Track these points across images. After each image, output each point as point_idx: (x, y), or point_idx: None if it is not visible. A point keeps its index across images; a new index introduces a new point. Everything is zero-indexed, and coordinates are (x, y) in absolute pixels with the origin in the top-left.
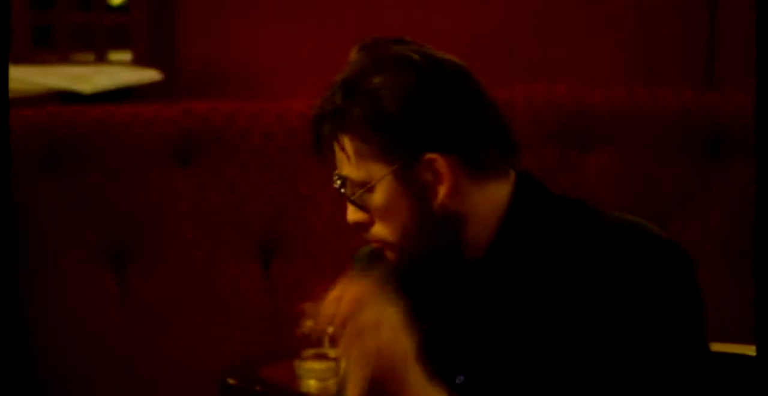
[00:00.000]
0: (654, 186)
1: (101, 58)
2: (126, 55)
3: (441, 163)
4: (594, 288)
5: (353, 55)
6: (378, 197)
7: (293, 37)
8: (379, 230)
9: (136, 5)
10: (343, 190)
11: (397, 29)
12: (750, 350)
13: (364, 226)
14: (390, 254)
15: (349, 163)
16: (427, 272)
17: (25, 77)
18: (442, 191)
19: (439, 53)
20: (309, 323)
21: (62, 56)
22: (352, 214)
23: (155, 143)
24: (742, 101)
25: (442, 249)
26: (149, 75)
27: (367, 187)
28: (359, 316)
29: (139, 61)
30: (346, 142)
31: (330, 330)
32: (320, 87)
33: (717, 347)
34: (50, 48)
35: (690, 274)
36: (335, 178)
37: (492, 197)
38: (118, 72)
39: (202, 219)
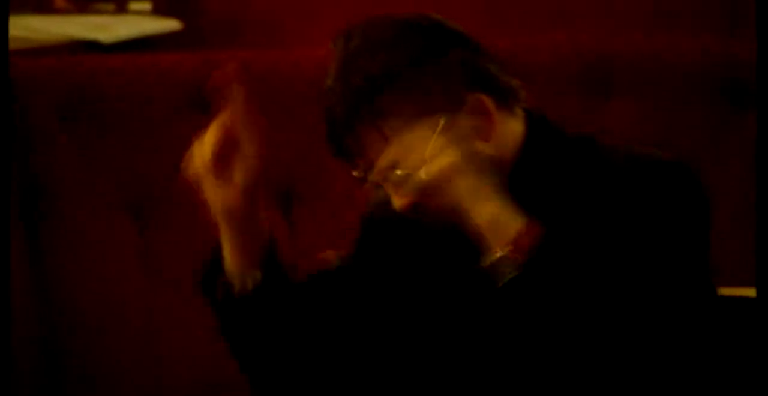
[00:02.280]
0: (674, 133)
1: (121, 8)
2: (146, 5)
3: (483, 100)
4: (603, 211)
5: (339, 45)
6: (430, 168)
7: None
8: (426, 203)
9: None
10: (397, 175)
11: None
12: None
13: (416, 206)
14: (428, 217)
15: (397, 144)
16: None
17: (44, 27)
18: (490, 131)
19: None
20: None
21: (81, 6)
22: (399, 200)
23: (175, 93)
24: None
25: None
26: (169, 24)
27: (415, 163)
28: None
29: (159, 11)
30: (385, 125)
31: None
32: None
33: (726, 291)
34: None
35: (696, 190)
36: (384, 170)
37: (511, 133)
38: (138, 21)
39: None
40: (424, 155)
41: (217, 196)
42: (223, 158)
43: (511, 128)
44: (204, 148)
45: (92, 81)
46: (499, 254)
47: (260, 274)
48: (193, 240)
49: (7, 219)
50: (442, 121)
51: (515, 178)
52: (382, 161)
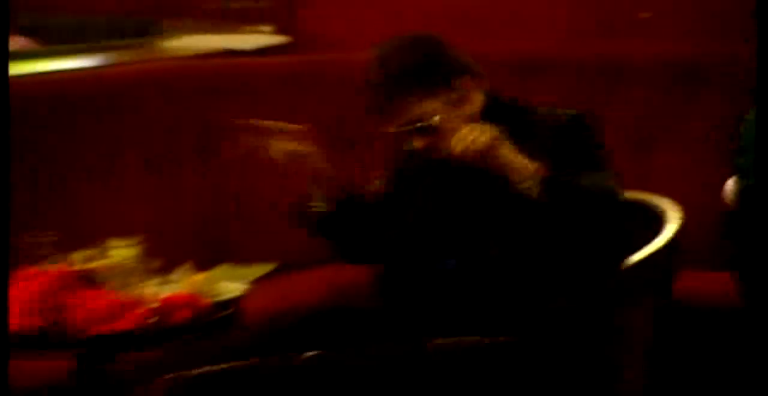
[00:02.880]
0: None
1: (254, 29)
2: (269, 28)
3: (467, 79)
4: (539, 145)
5: (381, 49)
6: (439, 123)
7: (373, 16)
8: (435, 143)
9: None
10: (418, 126)
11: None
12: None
13: (429, 146)
14: (434, 153)
15: (418, 108)
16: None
17: (210, 41)
18: (472, 96)
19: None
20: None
21: (233, 28)
22: (418, 142)
23: (285, 79)
24: (637, 46)
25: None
26: (282, 39)
27: (430, 121)
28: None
29: (277, 31)
30: (408, 95)
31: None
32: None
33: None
34: (224, 23)
35: (599, 131)
36: (410, 124)
37: (480, 99)
38: (265, 37)
39: (312, 120)
40: (437, 114)
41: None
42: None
43: (479, 97)
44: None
45: (241, 73)
46: (529, 183)
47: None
48: None
49: (7, 219)
50: (454, 96)
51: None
52: (410, 117)
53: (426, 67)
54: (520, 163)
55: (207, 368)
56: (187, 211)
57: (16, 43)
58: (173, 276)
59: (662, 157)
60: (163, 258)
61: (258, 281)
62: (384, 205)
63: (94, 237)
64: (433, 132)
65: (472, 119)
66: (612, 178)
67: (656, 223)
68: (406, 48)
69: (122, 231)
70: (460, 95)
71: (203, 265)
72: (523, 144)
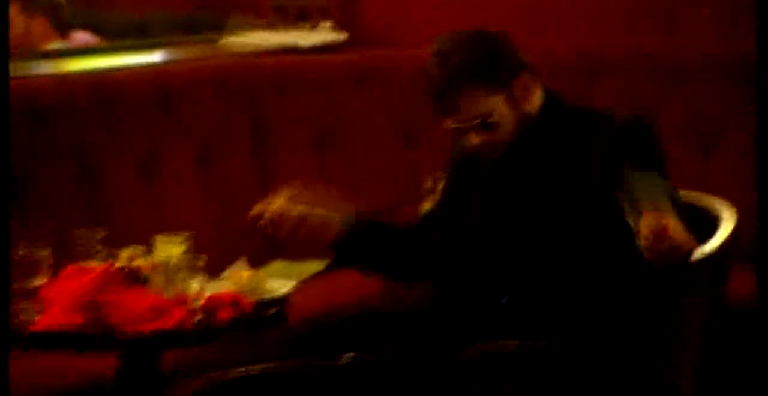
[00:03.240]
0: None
1: (314, 26)
2: (328, 24)
3: (527, 76)
4: (596, 151)
5: (441, 43)
6: (499, 119)
7: (432, 12)
8: (498, 137)
9: None
10: (477, 123)
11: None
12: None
13: (486, 141)
14: (491, 151)
15: (475, 105)
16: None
17: (270, 38)
18: (531, 96)
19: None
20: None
21: (290, 24)
22: (478, 138)
23: (342, 74)
24: (695, 44)
25: (518, 132)
26: (341, 36)
27: (492, 116)
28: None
29: (336, 28)
30: (470, 90)
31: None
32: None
33: None
34: (283, 19)
35: (657, 136)
36: (469, 120)
37: (539, 98)
38: (324, 34)
39: (366, 120)
40: (497, 111)
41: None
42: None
43: (538, 95)
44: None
45: (295, 68)
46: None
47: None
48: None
49: (7, 219)
50: (503, 95)
51: (537, 128)
52: (470, 114)
53: (486, 63)
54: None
55: (241, 370)
56: (240, 207)
57: (78, 39)
58: (225, 272)
59: (722, 156)
60: (216, 254)
61: (311, 277)
62: (431, 219)
63: (145, 233)
64: (490, 129)
65: (529, 118)
66: (671, 185)
67: (711, 223)
68: (467, 43)
69: (173, 227)
70: (519, 93)
71: (257, 261)
72: (581, 148)
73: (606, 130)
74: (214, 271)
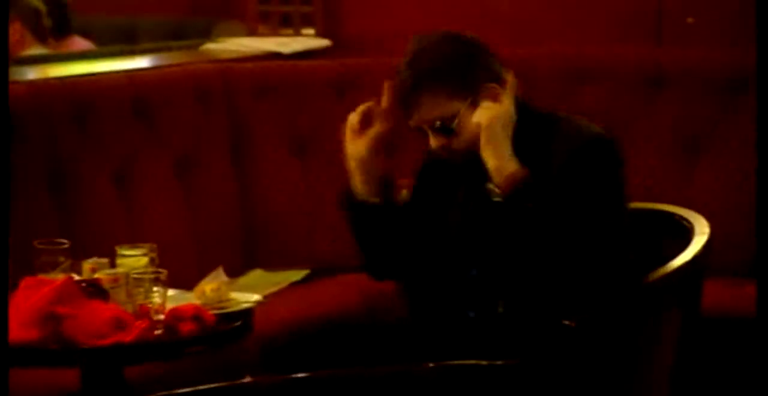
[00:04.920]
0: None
1: (297, 32)
2: (311, 30)
3: (495, 87)
4: (562, 169)
5: (415, 44)
6: (460, 124)
7: (415, 19)
8: (458, 143)
9: (317, 1)
10: (437, 125)
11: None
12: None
13: (446, 145)
14: (451, 156)
15: (437, 107)
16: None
17: (251, 44)
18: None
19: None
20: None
21: (274, 31)
22: (437, 141)
23: (323, 81)
24: (681, 53)
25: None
26: (324, 43)
27: (452, 120)
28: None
29: (318, 34)
30: (432, 92)
31: None
32: None
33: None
34: (267, 25)
35: (617, 158)
36: (429, 121)
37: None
38: (306, 41)
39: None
40: (459, 115)
41: (353, 148)
42: (362, 125)
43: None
44: (352, 117)
45: (276, 74)
46: (493, 185)
47: (378, 200)
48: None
49: (7, 219)
50: (468, 100)
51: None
52: (431, 116)
53: (454, 66)
54: (504, 158)
55: (186, 390)
56: (218, 216)
57: (77, 44)
58: (201, 282)
59: (705, 164)
60: (193, 264)
61: (288, 287)
62: (407, 214)
63: (119, 244)
64: (449, 133)
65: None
66: (608, 216)
67: (685, 236)
68: (439, 44)
69: (149, 238)
70: (485, 100)
71: (235, 271)
72: (544, 159)
73: (567, 144)
74: (190, 281)
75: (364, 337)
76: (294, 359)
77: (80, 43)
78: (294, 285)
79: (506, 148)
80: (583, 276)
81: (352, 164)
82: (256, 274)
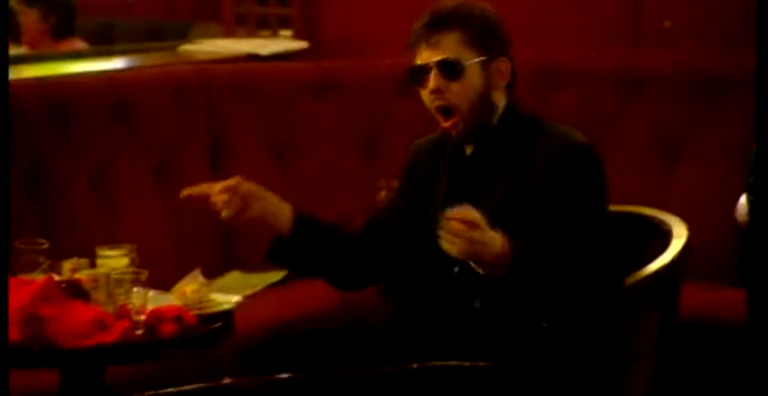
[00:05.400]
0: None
1: (274, 34)
2: (288, 32)
3: (507, 65)
4: (543, 176)
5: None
6: (466, 72)
7: (388, 23)
8: (453, 95)
9: (296, 3)
10: (446, 60)
11: None
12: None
13: (442, 91)
14: (451, 116)
15: (454, 49)
16: (464, 137)
17: (229, 45)
18: (500, 84)
19: None
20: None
21: (251, 33)
22: (436, 82)
23: (301, 83)
24: (658, 56)
25: (479, 121)
26: (301, 45)
27: (462, 64)
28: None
29: (296, 36)
30: (460, 35)
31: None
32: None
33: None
34: (244, 27)
35: (598, 165)
36: (440, 58)
37: (502, 103)
38: (284, 43)
39: (325, 129)
40: (468, 65)
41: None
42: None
43: (502, 99)
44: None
45: (256, 76)
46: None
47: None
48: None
49: (7, 220)
50: (482, 58)
51: (492, 135)
52: (442, 55)
53: (485, 27)
54: (492, 250)
55: (171, 390)
56: (196, 218)
57: (76, 46)
58: (179, 284)
59: (683, 167)
60: (170, 265)
61: (267, 289)
62: (378, 226)
63: (97, 245)
64: (453, 75)
65: (491, 110)
66: (593, 224)
67: (663, 239)
68: (481, 7)
69: (127, 239)
70: (495, 71)
71: (212, 273)
72: (528, 164)
73: (549, 151)
74: (168, 282)
75: (343, 339)
76: (272, 361)
77: (79, 45)
78: (271, 287)
79: (488, 246)
80: (565, 280)
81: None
82: (234, 276)
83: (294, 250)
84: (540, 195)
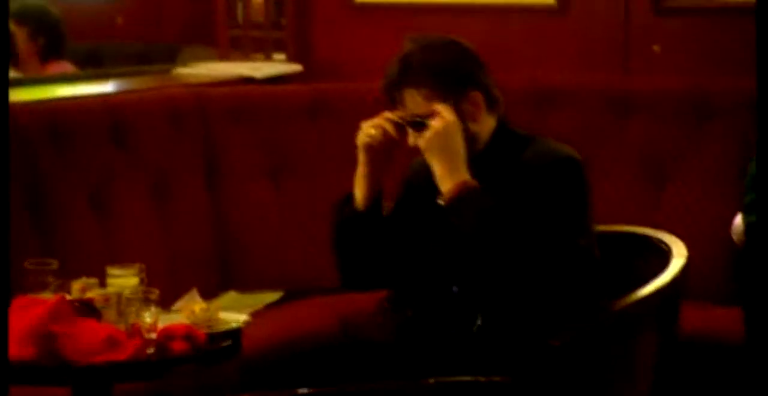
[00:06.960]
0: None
1: (268, 57)
2: (282, 56)
3: (478, 96)
4: (531, 182)
5: (407, 43)
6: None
7: (380, 47)
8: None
9: (289, 26)
10: (410, 119)
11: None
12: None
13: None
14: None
15: (420, 104)
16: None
17: (223, 68)
18: (477, 114)
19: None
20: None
21: (245, 56)
22: (413, 138)
23: (296, 105)
24: (648, 79)
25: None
26: (295, 68)
27: (430, 116)
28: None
29: (289, 59)
30: (422, 90)
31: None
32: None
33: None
34: (239, 51)
35: (581, 176)
36: (409, 117)
37: (489, 125)
38: (278, 66)
39: (320, 150)
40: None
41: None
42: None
43: (489, 122)
44: (372, 122)
45: (251, 98)
46: (441, 198)
47: (370, 209)
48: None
49: (7, 219)
50: (449, 101)
51: (485, 156)
52: (411, 112)
53: (442, 68)
54: (450, 168)
55: None
56: (192, 238)
57: (64, 67)
58: (176, 304)
59: (673, 189)
60: (167, 286)
61: (264, 309)
62: (391, 227)
63: (97, 265)
64: (421, 128)
65: (476, 139)
66: (569, 228)
67: (662, 259)
68: (432, 45)
69: (126, 258)
70: (467, 107)
71: (209, 293)
72: (520, 178)
73: (537, 160)
74: (165, 302)
75: (342, 358)
76: (273, 379)
77: (68, 68)
78: (269, 307)
79: (454, 160)
80: (545, 292)
81: (360, 172)
82: (231, 296)
83: (364, 223)
84: (524, 201)
